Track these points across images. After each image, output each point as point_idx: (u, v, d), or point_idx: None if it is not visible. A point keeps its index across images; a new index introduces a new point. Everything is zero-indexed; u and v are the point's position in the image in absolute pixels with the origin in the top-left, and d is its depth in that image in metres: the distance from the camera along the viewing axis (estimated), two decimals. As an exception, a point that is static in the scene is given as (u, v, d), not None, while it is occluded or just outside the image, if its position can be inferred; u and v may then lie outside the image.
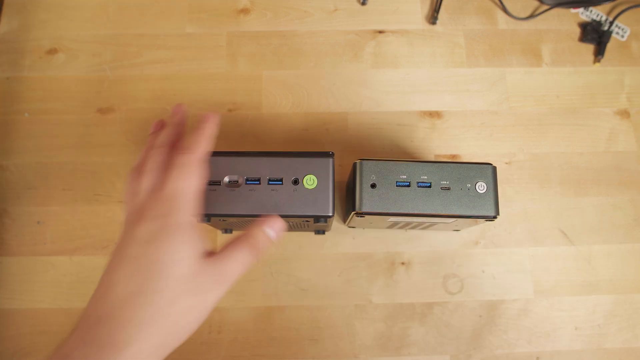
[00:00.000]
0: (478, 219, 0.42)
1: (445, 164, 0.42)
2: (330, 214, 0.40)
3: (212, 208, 0.40)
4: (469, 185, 0.42)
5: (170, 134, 0.36)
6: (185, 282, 0.28)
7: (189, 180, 0.31)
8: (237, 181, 0.40)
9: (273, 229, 0.33)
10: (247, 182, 0.40)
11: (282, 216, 0.40)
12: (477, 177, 0.42)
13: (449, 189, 0.42)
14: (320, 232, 0.54)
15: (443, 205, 0.41)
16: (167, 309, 0.27)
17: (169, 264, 0.28)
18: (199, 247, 0.30)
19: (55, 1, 0.64)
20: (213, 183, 0.40)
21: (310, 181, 0.40)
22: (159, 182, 0.31)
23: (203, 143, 0.33)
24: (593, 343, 0.54)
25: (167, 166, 0.32)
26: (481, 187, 0.41)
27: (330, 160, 0.41)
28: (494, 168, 0.43)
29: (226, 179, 0.40)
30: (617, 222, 0.58)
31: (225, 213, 0.40)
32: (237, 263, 0.31)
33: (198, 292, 0.29)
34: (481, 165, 0.43)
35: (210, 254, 0.30)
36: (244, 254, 0.31)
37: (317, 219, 0.40)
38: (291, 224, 0.46)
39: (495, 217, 0.42)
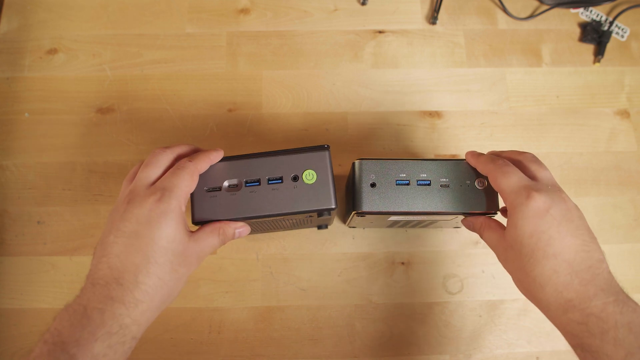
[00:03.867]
0: (478, 216, 0.42)
1: (444, 162, 0.42)
2: (334, 206, 0.39)
3: (215, 214, 0.39)
4: (469, 182, 0.42)
5: (182, 147, 0.41)
6: (178, 257, 0.35)
7: (183, 180, 0.36)
8: (237, 185, 0.40)
9: (240, 231, 0.41)
10: (247, 185, 0.40)
11: (286, 214, 0.40)
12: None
13: (448, 186, 0.42)
14: (323, 226, 0.54)
15: (443, 203, 0.41)
16: (167, 278, 0.34)
17: (166, 242, 0.34)
18: (185, 228, 0.36)
19: (55, 1, 0.64)
20: (213, 189, 0.40)
21: (309, 176, 0.40)
22: (159, 176, 0.38)
23: (204, 160, 0.39)
24: (594, 343, 0.54)
25: (169, 168, 0.38)
26: (480, 183, 0.41)
27: (327, 153, 0.41)
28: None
29: (226, 183, 0.40)
30: (617, 222, 0.57)
31: (228, 218, 0.39)
32: (209, 246, 0.38)
33: (186, 264, 0.36)
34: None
35: (190, 234, 0.37)
36: (215, 240, 0.38)
37: (320, 212, 0.40)
38: (294, 221, 0.46)
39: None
